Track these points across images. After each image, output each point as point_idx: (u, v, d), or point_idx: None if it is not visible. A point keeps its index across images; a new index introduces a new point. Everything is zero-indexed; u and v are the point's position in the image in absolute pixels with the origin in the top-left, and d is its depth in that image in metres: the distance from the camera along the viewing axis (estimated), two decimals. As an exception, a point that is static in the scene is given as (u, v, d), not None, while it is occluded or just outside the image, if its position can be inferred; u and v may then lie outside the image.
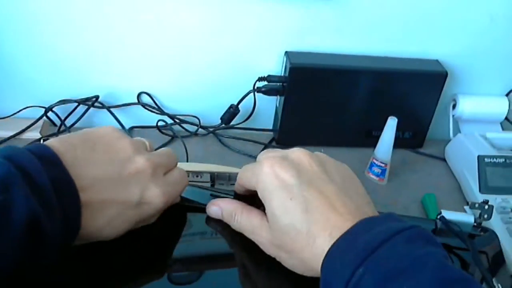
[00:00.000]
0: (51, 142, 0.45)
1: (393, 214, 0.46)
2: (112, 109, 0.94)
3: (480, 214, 0.58)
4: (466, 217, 0.58)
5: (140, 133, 0.95)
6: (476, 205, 0.58)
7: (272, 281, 0.51)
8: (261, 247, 0.51)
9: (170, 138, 0.94)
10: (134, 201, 0.48)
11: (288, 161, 0.49)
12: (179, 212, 0.57)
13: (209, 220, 0.56)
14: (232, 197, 0.57)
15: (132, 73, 0.93)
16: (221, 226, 0.55)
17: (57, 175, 0.43)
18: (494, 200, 0.83)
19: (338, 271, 0.42)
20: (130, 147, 0.50)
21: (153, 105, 0.96)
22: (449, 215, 0.58)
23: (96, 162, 0.47)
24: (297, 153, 0.51)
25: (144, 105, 0.95)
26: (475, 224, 0.58)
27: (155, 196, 0.49)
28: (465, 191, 0.89)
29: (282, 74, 0.93)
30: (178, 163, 0.56)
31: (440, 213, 0.58)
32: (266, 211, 0.49)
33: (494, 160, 0.87)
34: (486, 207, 0.58)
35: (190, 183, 0.57)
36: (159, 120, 0.94)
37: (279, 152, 0.52)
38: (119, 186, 0.47)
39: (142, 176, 0.49)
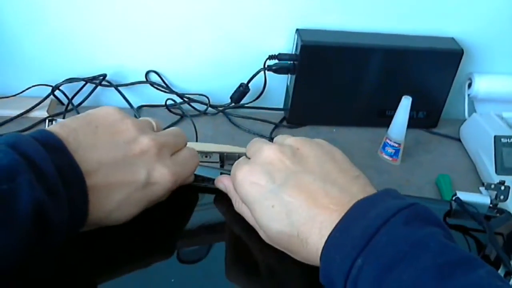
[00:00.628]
0: (54, 128, 0.44)
1: (389, 191, 0.44)
2: (120, 88, 0.93)
3: (496, 195, 0.56)
4: (482, 198, 0.56)
5: (149, 112, 0.94)
6: (492, 186, 0.57)
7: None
8: (265, 240, 0.49)
9: (179, 117, 0.93)
10: (141, 182, 0.47)
11: (259, 165, 0.48)
12: (190, 191, 0.56)
13: (216, 201, 0.55)
14: None
15: (140, 51, 0.92)
16: (226, 208, 0.54)
17: (62, 161, 0.42)
18: (511, 181, 0.80)
19: (336, 264, 0.40)
20: (133, 128, 0.48)
21: (162, 84, 0.94)
22: (464, 196, 0.56)
23: (99, 145, 0.45)
24: (266, 153, 0.48)
25: (153, 84, 0.93)
26: (491, 205, 0.56)
27: (163, 175, 0.48)
28: (480, 172, 0.87)
29: (293, 52, 0.91)
30: (188, 143, 0.55)
31: (455, 194, 0.56)
32: (255, 221, 0.48)
33: (511, 140, 0.85)
34: (503, 188, 0.56)
35: (199, 163, 0.56)
36: (168, 99, 0.92)
37: (251, 158, 0.50)
38: (125, 168, 0.46)
39: (148, 156, 0.47)
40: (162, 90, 0.94)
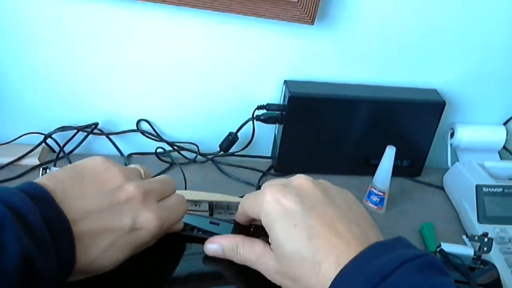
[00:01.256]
0: (42, 180, 0.46)
1: (402, 239, 0.46)
2: (111, 136, 0.94)
3: (479, 247, 0.58)
4: (466, 250, 0.58)
5: (139, 160, 0.95)
6: (476, 238, 0.58)
7: None
8: (266, 276, 0.50)
9: (168, 165, 0.94)
10: (127, 228, 0.48)
11: (290, 188, 0.49)
12: (178, 240, 0.57)
13: (207, 259, 0.55)
14: (231, 224, 0.57)
15: (131, 100, 0.94)
16: (221, 264, 0.54)
17: (49, 212, 0.43)
18: (493, 229, 0.83)
19: None
20: (119, 176, 0.50)
21: (152, 132, 0.96)
22: (448, 247, 0.58)
23: (85, 195, 0.47)
24: (299, 180, 0.51)
25: (143, 132, 0.95)
26: (474, 256, 0.57)
27: (148, 220, 0.49)
28: (463, 221, 0.89)
29: (281, 103, 0.93)
30: (177, 191, 0.56)
31: (440, 245, 0.58)
32: (270, 239, 0.49)
33: (492, 189, 0.87)
34: (486, 239, 0.58)
35: (188, 211, 0.57)
36: (158, 147, 0.94)
37: (281, 180, 0.52)
38: (110, 215, 0.47)
39: (133, 203, 0.49)
40: (152, 139, 0.95)
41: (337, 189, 0.52)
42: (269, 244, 0.49)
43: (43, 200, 0.44)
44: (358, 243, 0.44)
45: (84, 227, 0.45)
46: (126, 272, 0.50)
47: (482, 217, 0.85)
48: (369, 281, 0.40)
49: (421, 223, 0.87)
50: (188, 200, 0.59)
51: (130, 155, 0.96)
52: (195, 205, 0.70)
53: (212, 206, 0.71)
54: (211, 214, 0.70)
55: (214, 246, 0.54)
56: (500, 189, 0.87)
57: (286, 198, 0.48)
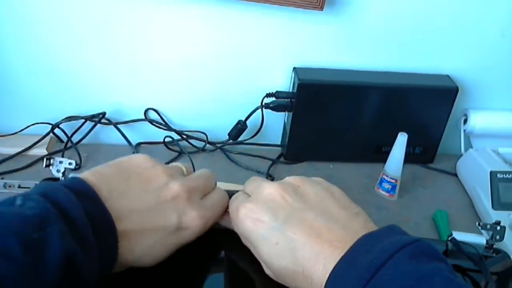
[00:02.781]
0: (86, 176, 0.45)
1: (394, 227, 0.45)
2: (119, 126, 0.94)
3: (492, 235, 0.56)
4: (478, 238, 0.56)
5: (147, 150, 0.94)
6: (488, 226, 0.57)
7: None
8: (270, 276, 0.50)
9: (177, 154, 0.93)
10: (172, 227, 0.47)
11: (261, 203, 0.49)
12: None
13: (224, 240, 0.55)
14: None
15: (139, 89, 0.93)
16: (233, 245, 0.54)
17: (94, 209, 0.43)
18: (507, 216, 0.81)
19: None
20: (164, 174, 0.50)
21: (160, 121, 0.95)
22: (460, 236, 0.56)
23: (131, 193, 0.47)
24: (268, 191, 0.50)
25: (151, 121, 0.94)
26: (487, 245, 0.56)
27: (193, 220, 0.49)
28: (477, 208, 0.87)
29: (290, 90, 0.92)
30: (218, 183, 0.56)
31: (451, 234, 0.57)
32: (258, 258, 0.49)
33: (507, 175, 0.85)
34: (498, 228, 0.56)
35: None
36: (166, 136, 0.93)
37: (251, 195, 0.51)
38: (156, 214, 0.47)
39: (178, 202, 0.48)
40: (160, 128, 0.94)
41: (310, 184, 0.51)
42: None
43: (87, 196, 0.43)
44: (343, 242, 0.43)
45: (129, 226, 0.45)
46: (165, 266, 0.50)
47: (497, 204, 0.83)
48: (361, 278, 0.40)
49: (434, 210, 0.85)
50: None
51: (138, 144, 0.95)
52: None
53: None
54: None
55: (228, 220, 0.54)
56: (514, 176, 0.85)
57: (260, 216, 0.47)
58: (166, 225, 0.47)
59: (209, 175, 0.55)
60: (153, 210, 0.47)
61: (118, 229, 0.44)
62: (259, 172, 0.91)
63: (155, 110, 0.95)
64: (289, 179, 0.52)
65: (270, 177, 0.90)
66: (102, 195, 0.44)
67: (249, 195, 0.52)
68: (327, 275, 0.42)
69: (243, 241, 0.52)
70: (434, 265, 0.40)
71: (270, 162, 0.95)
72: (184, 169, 0.54)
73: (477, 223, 0.58)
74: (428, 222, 0.84)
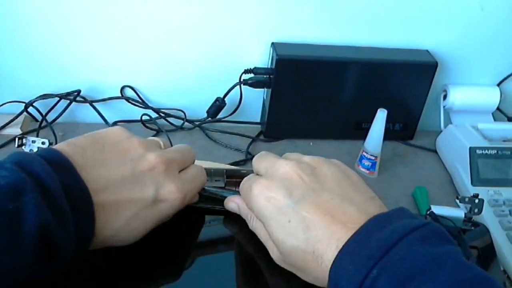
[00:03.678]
0: (60, 146, 0.44)
1: (404, 210, 0.44)
2: (94, 104, 0.92)
3: (470, 209, 0.56)
4: (456, 212, 0.56)
5: (125, 128, 0.92)
6: (466, 199, 0.57)
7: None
8: (275, 261, 0.49)
9: (155, 132, 0.92)
10: (149, 199, 0.46)
11: (277, 181, 0.47)
12: (196, 212, 0.56)
13: (226, 222, 0.55)
14: None
15: (115, 66, 0.91)
16: (238, 228, 0.54)
17: (69, 180, 0.42)
18: (486, 192, 0.81)
19: (348, 274, 0.40)
20: (140, 146, 0.48)
21: (137, 99, 0.93)
22: (438, 210, 0.56)
23: (107, 163, 0.46)
24: (285, 169, 0.48)
25: (128, 99, 0.92)
26: (465, 218, 0.56)
27: (171, 192, 0.48)
28: (456, 184, 0.87)
29: (269, 66, 0.91)
30: (196, 161, 0.55)
31: (430, 208, 0.56)
32: (270, 236, 0.48)
33: (486, 151, 0.85)
34: (477, 201, 0.56)
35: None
36: (143, 114, 0.92)
37: (270, 161, 0.50)
38: (133, 185, 0.46)
39: (155, 173, 0.47)
40: (137, 106, 0.93)
41: (327, 165, 0.50)
42: None
43: (62, 166, 0.42)
44: (356, 225, 0.43)
45: (105, 197, 0.44)
46: (144, 246, 0.49)
47: (476, 180, 0.83)
48: (372, 256, 0.39)
49: (414, 186, 0.85)
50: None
51: (115, 123, 0.93)
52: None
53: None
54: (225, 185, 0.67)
55: (233, 204, 0.54)
56: (494, 151, 0.85)
57: (275, 194, 0.46)
58: (143, 197, 0.46)
59: (187, 149, 0.54)
60: (129, 181, 0.46)
61: (94, 200, 0.43)
62: (238, 150, 0.90)
63: (132, 88, 0.93)
64: (306, 159, 0.50)
65: (250, 154, 0.89)
66: (77, 165, 0.43)
67: (261, 175, 0.51)
68: (337, 253, 0.42)
69: (251, 224, 0.52)
70: (446, 247, 0.40)
71: (250, 139, 0.94)
72: (161, 143, 0.53)
73: (455, 197, 0.58)
74: (407, 199, 0.84)
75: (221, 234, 0.56)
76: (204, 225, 0.57)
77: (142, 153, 0.48)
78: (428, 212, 0.56)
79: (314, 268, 0.44)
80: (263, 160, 0.52)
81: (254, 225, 0.51)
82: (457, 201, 0.57)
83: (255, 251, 0.52)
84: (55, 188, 0.40)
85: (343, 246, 0.42)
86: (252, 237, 0.51)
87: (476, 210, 0.56)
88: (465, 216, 0.56)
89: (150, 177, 0.47)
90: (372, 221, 0.43)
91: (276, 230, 0.46)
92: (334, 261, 0.42)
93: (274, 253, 0.48)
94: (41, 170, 0.40)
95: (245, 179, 0.52)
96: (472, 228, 0.56)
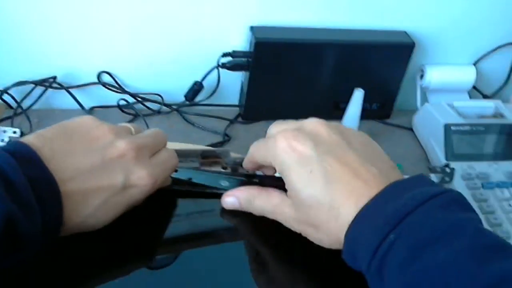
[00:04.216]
0: (28, 139, 0.44)
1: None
2: (71, 90, 0.91)
3: (442, 178, 0.57)
4: (427, 182, 0.57)
5: (101, 113, 0.92)
6: (438, 169, 0.58)
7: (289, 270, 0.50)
8: (285, 224, 0.49)
9: (132, 117, 0.92)
10: (119, 186, 0.46)
11: (304, 133, 0.47)
12: (167, 195, 0.56)
13: (223, 213, 0.55)
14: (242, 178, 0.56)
15: (91, 52, 0.90)
16: (237, 218, 0.54)
17: (35, 172, 0.41)
18: (460, 167, 0.82)
19: (364, 239, 0.40)
20: (110, 133, 0.48)
21: (114, 84, 0.93)
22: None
23: (75, 153, 0.45)
24: (313, 124, 0.49)
25: (105, 85, 0.92)
26: (436, 188, 0.57)
27: (141, 178, 0.47)
28: (431, 160, 0.88)
29: (248, 49, 0.91)
30: (172, 143, 0.55)
31: (402, 179, 0.57)
32: (286, 186, 0.48)
33: (461, 128, 0.86)
34: (448, 170, 0.57)
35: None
36: (120, 99, 0.91)
37: (292, 124, 0.50)
38: (102, 173, 0.46)
39: (125, 160, 0.47)
40: (114, 91, 0.92)
41: (354, 131, 0.51)
42: (285, 191, 0.48)
43: (28, 159, 0.42)
44: (378, 184, 0.43)
45: (74, 186, 0.44)
46: (116, 230, 0.49)
47: (450, 155, 0.84)
48: (389, 221, 0.39)
49: (390, 164, 0.86)
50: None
51: (92, 108, 0.93)
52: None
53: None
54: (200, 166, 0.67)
55: (231, 199, 0.53)
56: (468, 127, 0.86)
57: (301, 144, 0.46)
58: (113, 184, 0.46)
59: (158, 134, 0.54)
60: (98, 169, 0.46)
61: (62, 190, 0.42)
62: (216, 133, 0.91)
63: (108, 73, 0.93)
64: (334, 122, 0.51)
65: (227, 136, 0.90)
66: (44, 156, 0.43)
67: None
68: (355, 214, 0.42)
69: (255, 203, 0.51)
70: (465, 214, 0.40)
71: (228, 122, 0.94)
72: (132, 128, 0.53)
73: (427, 167, 0.59)
74: (384, 176, 0.84)
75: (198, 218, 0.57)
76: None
77: (111, 141, 0.48)
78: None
79: (328, 222, 0.44)
80: (283, 124, 0.52)
81: (259, 201, 0.51)
82: (433, 174, 0.58)
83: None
84: (19, 181, 0.40)
85: (361, 209, 0.42)
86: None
87: (447, 179, 0.57)
88: (436, 186, 0.56)
89: (120, 164, 0.47)
90: (392, 186, 0.43)
91: (296, 179, 0.46)
92: (350, 225, 0.42)
93: (286, 213, 0.48)
94: (4, 163, 0.40)
95: (274, 127, 0.51)
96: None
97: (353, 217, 0.42)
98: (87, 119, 0.49)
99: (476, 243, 0.38)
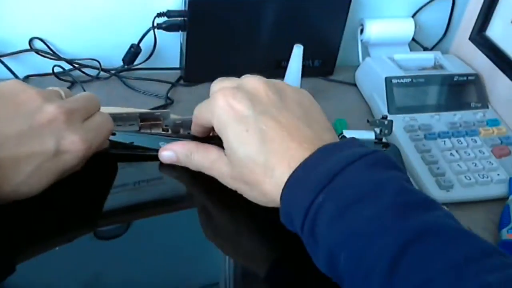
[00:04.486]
0: None
1: (354, 140, 0.45)
2: (2, 58, 0.87)
3: (380, 130, 0.58)
4: (367, 134, 0.57)
5: (37, 82, 0.89)
6: (376, 122, 0.58)
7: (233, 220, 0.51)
8: (221, 181, 0.50)
9: (70, 84, 0.89)
10: (50, 152, 0.45)
11: (243, 92, 0.47)
12: (109, 160, 0.55)
13: (162, 166, 0.54)
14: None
15: (21, 18, 0.86)
16: (176, 171, 0.54)
17: None
18: (403, 119, 0.83)
19: (297, 200, 0.41)
20: (37, 97, 0.46)
21: (48, 51, 0.89)
22: (350, 134, 0.57)
23: (1, 119, 0.44)
24: (252, 82, 0.48)
25: (38, 51, 0.88)
26: (376, 140, 0.57)
27: (74, 143, 0.46)
28: (375, 114, 0.89)
29: (183, 8, 0.88)
30: (102, 108, 0.53)
31: (342, 133, 0.57)
32: (224, 145, 0.48)
33: (401, 80, 0.87)
34: (386, 122, 0.57)
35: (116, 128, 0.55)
36: (55, 66, 0.88)
37: (233, 81, 0.50)
38: (31, 139, 0.44)
39: (55, 125, 0.45)
40: (49, 58, 0.89)
41: (293, 90, 0.50)
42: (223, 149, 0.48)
43: None
44: (311, 147, 0.43)
45: (3, 154, 0.42)
46: (58, 197, 0.48)
47: (392, 108, 0.85)
48: (318, 183, 0.40)
49: (334, 120, 0.86)
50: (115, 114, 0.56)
51: (26, 77, 0.89)
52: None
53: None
54: (140, 128, 0.65)
55: (168, 153, 0.53)
56: (408, 80, 0.87)
57: (238, 102, 0.46)
58: (44, 150, 0.45)
59: (89, 97, 0.52)
60: (27, 135, 0.44)
61: None
62: (158, 97, 0.89)
63: (41, 39, 0.89)
64: (275, 80, 0.51)
65: (169, 100, 0.88)
66: None
67: None
68: (289, 175, 0.42)
69: (194, 158, 0.51)
70: (391, 173, 0.41)
71: (169, 85, 0.92)
72: (62, 92, 0.51)
73: (366, 120, 0.59)
74: (328, 132, 0.85)
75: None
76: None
77: (39, 105, 0.46)
78: (340, 137, 0.57)
79: (262, 181, 0.45)
80: (224, 80, 0.52)
81: (197, 156, 0.51)
82: (369, 124, 0.58)
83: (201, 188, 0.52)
84: None
85: (294, 171, 0.42)
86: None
87: (386, 131, 0.57)
88: (375, 138, 0.57)
89: (50, 129, 0.45)
90: (323, 148, 0.43)
91: (232, 138, 0.46)
92: (284, 187, 0.43)
93: (223, 170, 0.49)
94: None
95: (215, 84, 0.52)
96: (384, 149, 0.58)
97: (287, 179, 0.43)
98: (12, 83, 0.47)
99: (398, 200, 0.39)
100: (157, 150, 0.55)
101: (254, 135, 0.45)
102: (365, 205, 0.39)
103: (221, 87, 0.49)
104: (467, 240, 0.37)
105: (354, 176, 0.40)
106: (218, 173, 0.50)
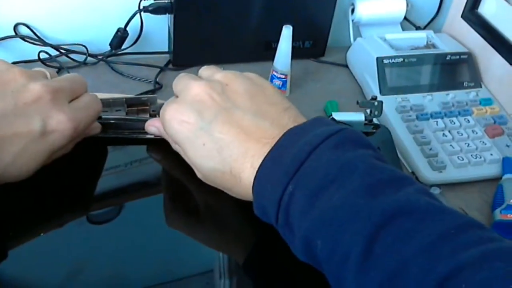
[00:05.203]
0: None
1: (320, 119, 0.44)
2: (-14, 45, 0.86)
3: (370, 111, 0.57)
4: (357, 116, 0.57)
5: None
6: (366, 103, 0.57)
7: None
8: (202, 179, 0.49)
9: (56, 70, 0.87)
10: (37, 131, 0.44)
11: (186, 104, 0.46)
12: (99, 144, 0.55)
13: (150, 149, 0.56)
14: None
15: (5, 2, 0.84)
16: (162, 155, 0.55)
17: None
18: (395, 100, 0.82)
19: (268, 194, 0.41)
20: (22, 76, 0.46)
21: (34, 36, 0.88)
22: (339, 116, 0.56)
23: None
24: (195, 90, 0.47)
25: (24, 38, 0.87)
26: (366, 121, 0.56)
27: (61, 122, 0.46)
28: (366, 95, 0.88)
29: (170, -10, 0.87)
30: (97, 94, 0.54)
31: (331, 115, 0.56)
32: (187, 162, 0.48)
33: (393, 60, 0.86)
34: (376, 103, 0.56)
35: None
36: (40, 51, 0.86)
37: (179, 96, 0.49)
38: (17, 118, 0.44)
39: (41, 104, 0.45)
40: (34, 43, 0.87)
41: (239, 79, 0.49)
42: None
43: None
44: (270, 139, 0.43)
45: None
46: (49, 181, 0.48)
47: (384, 89, 0.84)
48: (286, 173, 0.40)
49: (326, 101, 0.85)
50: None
51: (12, 64, 0.88)
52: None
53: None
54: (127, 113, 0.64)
55: (152, 129, 0.54)
56: (400, 59, 0.86)
57: (186, 116, 0.45)
58: (30, 130, 0.44)
59: (76, 78, 0.52)
60: (12, 114, 0.44)
61: None
62: (147, 81, 0.87)
63: (26, 25, 0.87)
64: (218, 76, 0.49)
65: (158, 84, 0.87)
66: None
67: (177, 97, 0.50)
68: (253, 177, 0.42)
69: (173, 146, 0.51)
70: (358, 151, 0.40)
71: (158, 70, 0.90)
72: (47, 73, 0.50)
73: (356, 101, 0.58)
74: (319, 114, 0.83)
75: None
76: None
77: (24, 84, 0.45)
78: (329, 119, 0.56)
79: (235, 186, 0.44)
80: (178, 83, 0.51)
81: (176, 147, 0.51)
82: (358, 105, 0.57)
83: (182, 174, 0.52)
84: None
85: (260, 164, 0.42)
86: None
87: (376, 113, 0.56)
88: (365, 119, 0.56)
89: (36, 109, 0.45)
90: (286, 136, 0.42)
91: (193, 154, 0.46)
92: (254, 181, 0.42)
93: (198, 174, 0.48)
94: None
95: (164, 103, 0.51)
96: (374, 130, 0.57)
97: (253, 179, 0.42)
98: None
99: (368, 179, 0.38)
100: (145, 133, 0.55)
101: (212, 147, 0.44)
102: (334, 190, 0.38)
103: (166, 106, 0.49)
104: (441, 216, 0.36)
105: (320, 160, 0.40)
106: (196, 173, 0.49)
